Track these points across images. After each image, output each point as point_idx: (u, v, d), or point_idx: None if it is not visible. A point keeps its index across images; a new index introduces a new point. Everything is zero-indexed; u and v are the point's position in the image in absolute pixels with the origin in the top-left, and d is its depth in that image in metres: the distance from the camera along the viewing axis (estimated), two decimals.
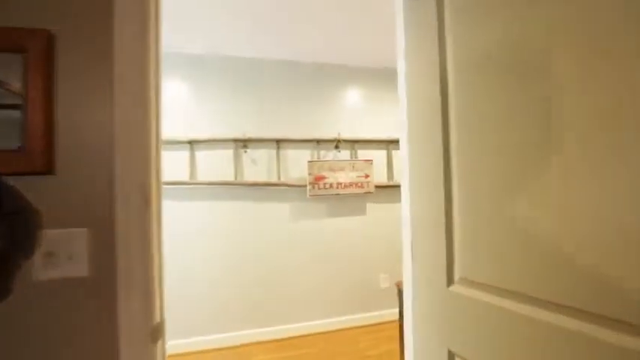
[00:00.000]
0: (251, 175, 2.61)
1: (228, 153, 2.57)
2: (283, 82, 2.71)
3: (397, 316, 2.94)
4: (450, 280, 0.81)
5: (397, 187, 2.92)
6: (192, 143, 2.50)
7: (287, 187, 2.68)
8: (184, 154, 2.50)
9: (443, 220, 0.83)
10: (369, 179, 2.75)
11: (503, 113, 0.67)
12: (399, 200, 2.93)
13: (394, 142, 2.96)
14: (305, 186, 2.64)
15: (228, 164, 2.57)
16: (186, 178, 2.48)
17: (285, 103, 2.71)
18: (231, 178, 2.56)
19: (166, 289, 2.34)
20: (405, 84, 1.03)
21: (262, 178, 2.63)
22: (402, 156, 1.07)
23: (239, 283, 2.56)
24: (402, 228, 1.09)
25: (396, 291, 2.96)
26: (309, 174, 2.61)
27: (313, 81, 2.78)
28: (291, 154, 2.71)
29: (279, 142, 2.65)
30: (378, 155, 2.93)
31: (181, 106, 2.51)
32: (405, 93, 1.06)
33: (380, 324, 2.85)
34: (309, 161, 2.62)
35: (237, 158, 2.58)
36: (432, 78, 0.87)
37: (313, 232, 2.74)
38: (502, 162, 0.68)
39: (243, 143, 2.57)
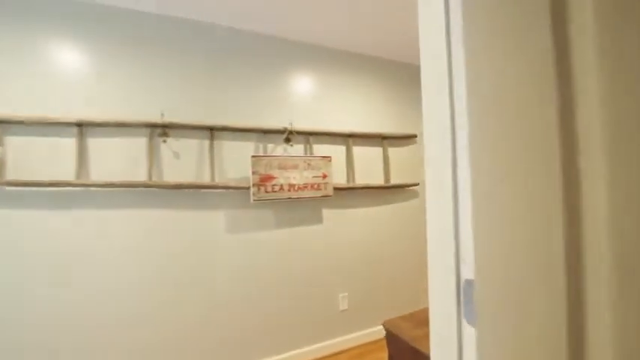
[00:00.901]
0: (173, 173, 1.99)
1: (138, 143, 1.91)
2: (219, 54, 2.14)
3: (358, 343, 2.54)
4: None
5: (360, 189, 2.55)
6: (82, 126, 1.79)
7: (224, 191, 2.11)
8: (68, 142, 1.77)
9: (559, 248, 0.42)
10: (327, 180, 2.32)
11: None
12: (361, 205, 2.57)
13: (355, 137, 2.58)
14: (248, 188, 2.10)
15: (139, 158, 1.91)
16: (70, 176, 1.76)
17: (222, 81, 2.14)
18: (142, 177, 1.90)
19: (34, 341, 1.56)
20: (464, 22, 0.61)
21: (189, 178, 2.02)
22: (432, 147, 0.65)
23: (157, 321, 1.91)
24: (432, 263, 0.66)
25: (356, 314, 2.58)
26: (254, 173, 2.08)
27: (259, 57, 2.26)
28: (229, 146, 2.15)
29: (213, 131, 2.07)
30: (337, 151, 2.52)
31: (69, 73, 1.78)
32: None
33: (339, 354, 2.43)
34: (254, 156, 2.09)
35: (152, 150, 1.93)
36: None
37: (258, 247, 2.21)
38: None
39: (163, 130, 1.94)
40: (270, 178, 2.13)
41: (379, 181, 2.71)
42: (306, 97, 2.43)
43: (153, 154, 1.94)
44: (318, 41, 2.45)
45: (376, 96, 2.74)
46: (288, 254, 2.32)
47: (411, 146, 2.91)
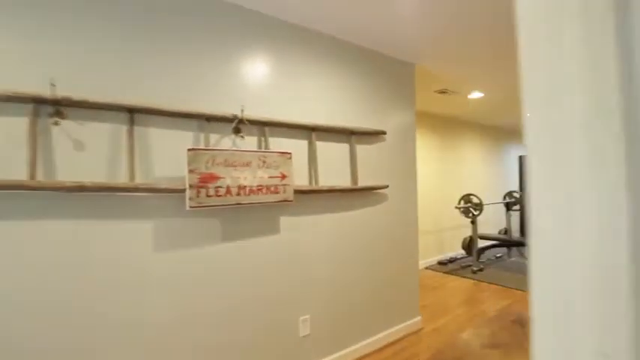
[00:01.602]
0: (72, 170, 1.44)
1: (15, 124, 1.34)
2: (147, 9, 1.63)
3: None
4: None
5: (324, 192, 2.18)
6: None
7: (150, 195, 1.60)
8: None
9: None
10: (286, 181, 1.92)
11: None
12: (325, 210, 2.21)
13: (319, 130, 2.21)
14: (182, 191, 1.61)
15: (17, 147, 1.33)
16: None
17: (150, 47, 1.63)
18: (21, 175, 1.33)
19: None
20: None
21: (98, 178, 1.49)
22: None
23: None
24: None
25: (320, 339, 2.20)
26: (191, 171, 1.60)
27: (204, 22, 1.79)
28: (157, 135, 1.64)
29: (133, 114, 1.56)
30: (298, 147, 2.13)
31: None
32: None
33: None
34: (191, 150, 1.62)
35: (36, 136, 1.37)
36: None
37: (198, 267, 1.73)
38: None
39: (55, 108, 1.38)
40: (214, 178, 1.67)
41: (345, 182, 2.37)
42: (263, 80, 2.00)
43: (38, 141, 1.37)
44: (280, 14, 2.04)
45: (344, 86, 2.40)
46: (237, 273, 1.87)
47: (379, 144, 2.62)
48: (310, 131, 2.18)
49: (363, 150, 2.49)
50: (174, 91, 1.69)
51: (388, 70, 2.71)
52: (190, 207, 1.60)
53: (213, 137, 1.80)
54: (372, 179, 2.54)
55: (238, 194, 1.74)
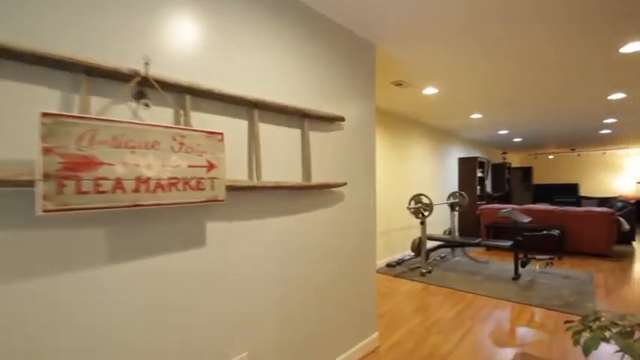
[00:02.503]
0: None
1: None
2: None
3: None
4: None
5: (269, 189, 1.66)
6: None
7: None
8: None
9: None
10: (215, 173, 1.36)
11: None
12: (269, 213, 1.70)
13: (263, 108, 1.68)
14: (30, 184, 0.96)
15: None
16: None
17: None
18: None
19: None
20: None
21: None
22: None
23: None
24: None
25: None
26: (48, 151, 0.96)
27: None
28: None
29: None
30: (234, 128, 1.57)
31: None
32: None
33: None
34: (49, 115, 0.97)
35: None
36: None
37: (60, 305, 1.08)
38: None
39: None
40: (92, 163, 1.04)
41: (296, 177, 1.87)
42: (188, 30, 1.40)
43: None
44: None
45: (297, 57, 1.90)
46: (133, 310, 1.25)
47: (336, 133, 2.17)
48: (252, 108, 1.63)
49: (317, 139, 2.02)
50: (28, 23, 1.02)
51: (348, 47, 2.27)
52: (45, 211, 0.95)
53: (99, 102, 1.16)
54: (328, 174, 2.08)
55: (137, 191, 1.13)
